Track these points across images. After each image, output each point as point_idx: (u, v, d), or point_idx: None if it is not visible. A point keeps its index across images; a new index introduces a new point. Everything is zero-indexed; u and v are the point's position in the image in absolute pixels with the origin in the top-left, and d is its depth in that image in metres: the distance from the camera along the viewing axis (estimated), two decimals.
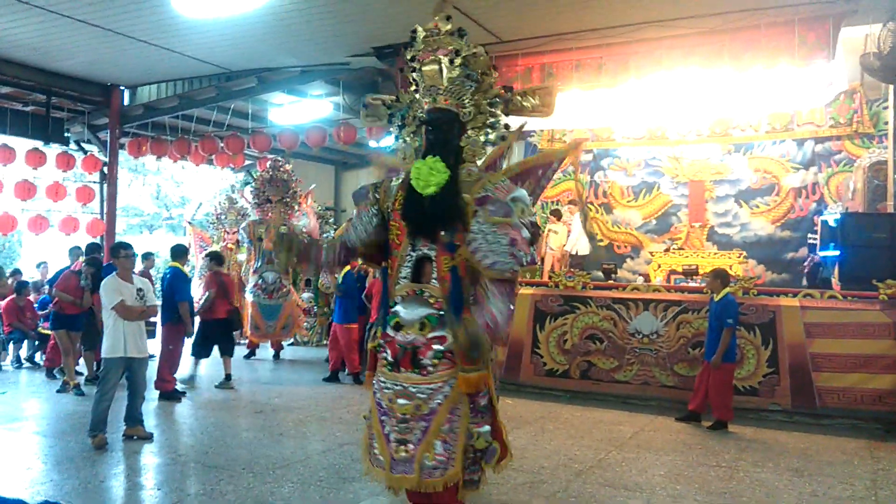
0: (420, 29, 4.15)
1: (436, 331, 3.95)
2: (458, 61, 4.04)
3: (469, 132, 4.19)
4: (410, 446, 3.91)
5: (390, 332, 4.08)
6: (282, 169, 12.30)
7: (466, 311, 3.92)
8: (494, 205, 3.90)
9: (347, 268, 10.38)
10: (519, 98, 4.35)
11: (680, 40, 8.94)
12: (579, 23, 9.05)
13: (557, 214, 12.79)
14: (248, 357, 12.08)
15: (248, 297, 11.89)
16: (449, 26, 4.11)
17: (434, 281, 4.00)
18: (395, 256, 4.15)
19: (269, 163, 12.50)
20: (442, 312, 3.96)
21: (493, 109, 4.24)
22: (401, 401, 3.95)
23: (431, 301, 3.98)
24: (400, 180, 4.22)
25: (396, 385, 3.99)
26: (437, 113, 4.09)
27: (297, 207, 12.58)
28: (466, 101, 4.13)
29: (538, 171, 4.58)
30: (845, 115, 11.16)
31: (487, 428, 4.02)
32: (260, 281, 11.80)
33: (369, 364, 4.34)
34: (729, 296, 7.53)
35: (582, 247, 12.09)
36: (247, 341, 12.52)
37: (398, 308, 4.06)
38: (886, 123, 9.83)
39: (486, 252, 3.82)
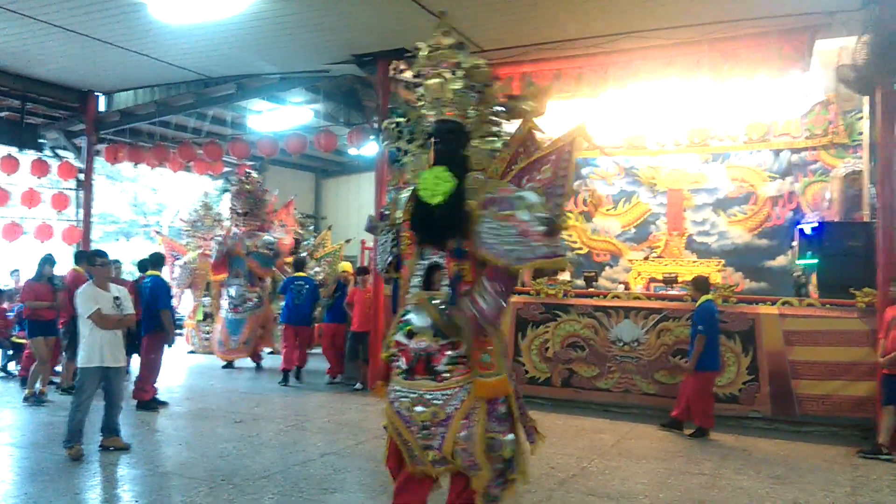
0: (423, 45, 4.29)
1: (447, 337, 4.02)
2: (459, 73, 4.17)
3: (474, 142, 4.29)
4: (436, 451, 4.02)
5: (403, 340, 4.11)
6: (249, 180, 12.17)
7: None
8: (498, 204, 3.97)
9: (302, 274, 11.14)
10: (517, 103, 4.45)
11: (659, 51, 9.03)
12: (559, 33, 9.10)
13: None
14: (226, 367, 11.92)
15: (221, 313, 11.81)
16: (450, 41, 4.26)
17: (444, 287, 4.06)
18: (406, 266, 4.26)
19: (235, 177, 12.39)
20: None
21: (495, 119, 4.36)
22: (418, 408, 4.02)
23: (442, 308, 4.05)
24: (409, 192, 4.32)
25: (412, 393, 4.04)
26: (443, 124, 4.20)
27: (267, 218, 12.43)
28: (470, 111, 4.23)
29: (550, 157, 4.31)
30: (820, 126, 11.29)
31: (511, 437, 4.06)
32: (226, 295, 11.74)
33: (381, 374, 4.41)
34: (707, 303, 7.60)
35: None
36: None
37: (410, 316, 4.10)
38: (861, 134, 9.98)
39: (500, 245, 3.89)
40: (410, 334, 4.07)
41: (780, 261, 11.79)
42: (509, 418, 4.11)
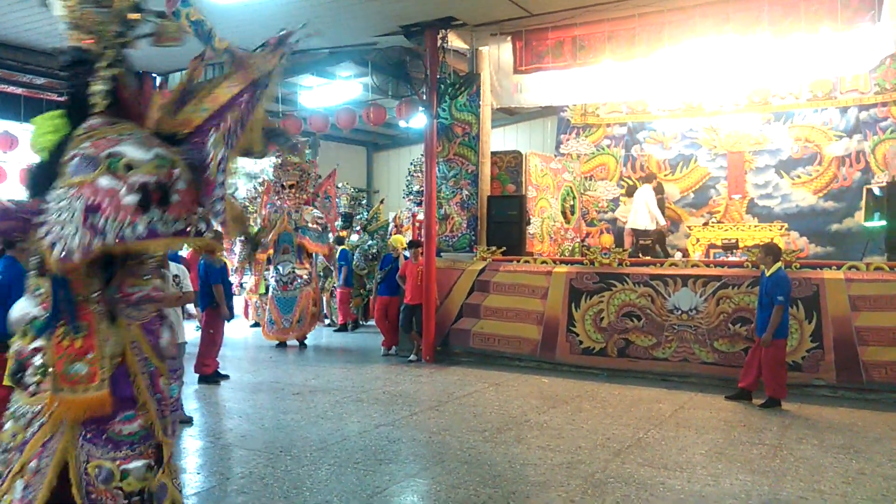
0: None
1: (38, 339, 3.02)
2: None
3: (101, 73, 3.19)
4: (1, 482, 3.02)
5: (17, 340, 3.13)
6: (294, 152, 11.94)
7: (84, 312, 2.97)
8: (77, 163, 2.89)
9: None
10: (170, 25, 3.44)
11: (715, 7, 8.70)
12: None
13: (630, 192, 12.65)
14: (279, 346, 11.93)
15: (270, 292, 11.64)
16: None
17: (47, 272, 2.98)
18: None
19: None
20: (47, 315, 3.00)
21: (117, 40, 3.24)
22: (7, 424, 3.09)
23: (40, 299, 3.04)
24: None
25: (14, 405, 3.10)
26: (60, 55, 3.19)
27: (312, 191, 12.13)
28: (99, 31, 3.16)
29: (240, 99, 3.18)
30: (891, 81, 10.75)
31: (140, 463, 3.06)
32: (275, 273, 11.51)
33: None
34: (781, 271, 7.22)
35: (642, 221, 11.80)
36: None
37: (13, 308, 3.14)
38: None
39: (52, 228, 2.80)
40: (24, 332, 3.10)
41: (848, 224, 11.34)
42: (143, 440, 3.11)
